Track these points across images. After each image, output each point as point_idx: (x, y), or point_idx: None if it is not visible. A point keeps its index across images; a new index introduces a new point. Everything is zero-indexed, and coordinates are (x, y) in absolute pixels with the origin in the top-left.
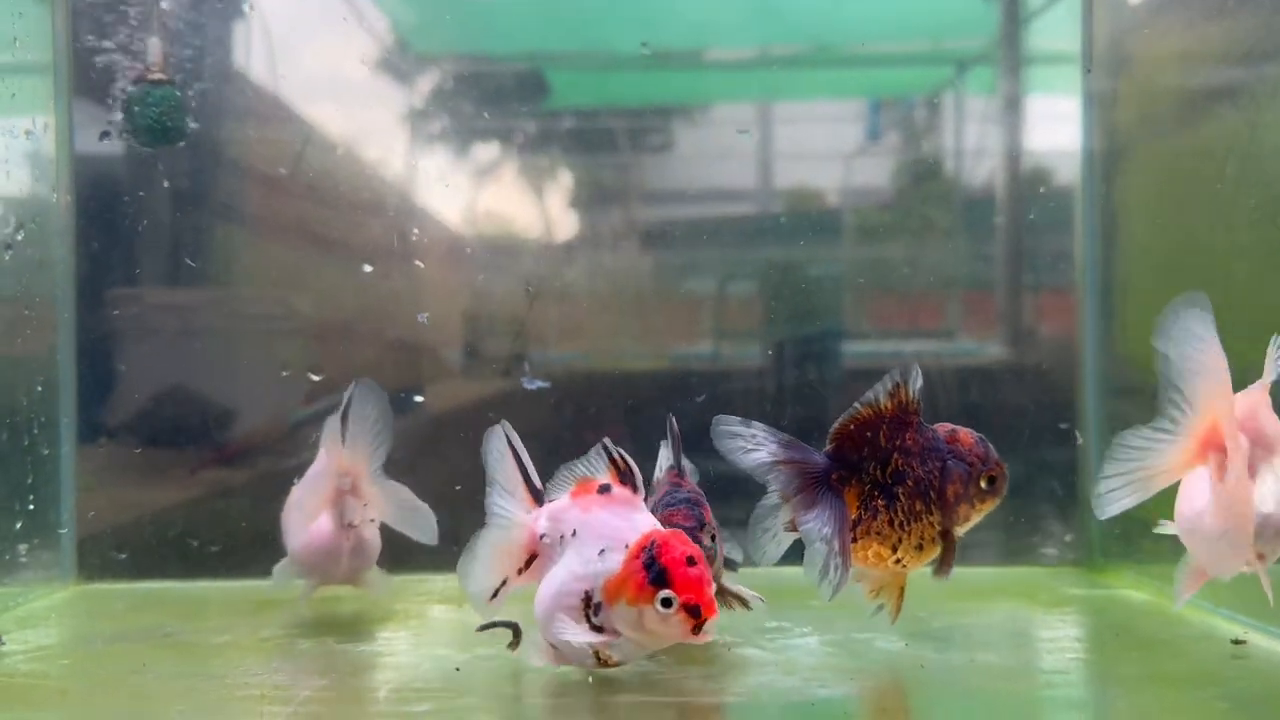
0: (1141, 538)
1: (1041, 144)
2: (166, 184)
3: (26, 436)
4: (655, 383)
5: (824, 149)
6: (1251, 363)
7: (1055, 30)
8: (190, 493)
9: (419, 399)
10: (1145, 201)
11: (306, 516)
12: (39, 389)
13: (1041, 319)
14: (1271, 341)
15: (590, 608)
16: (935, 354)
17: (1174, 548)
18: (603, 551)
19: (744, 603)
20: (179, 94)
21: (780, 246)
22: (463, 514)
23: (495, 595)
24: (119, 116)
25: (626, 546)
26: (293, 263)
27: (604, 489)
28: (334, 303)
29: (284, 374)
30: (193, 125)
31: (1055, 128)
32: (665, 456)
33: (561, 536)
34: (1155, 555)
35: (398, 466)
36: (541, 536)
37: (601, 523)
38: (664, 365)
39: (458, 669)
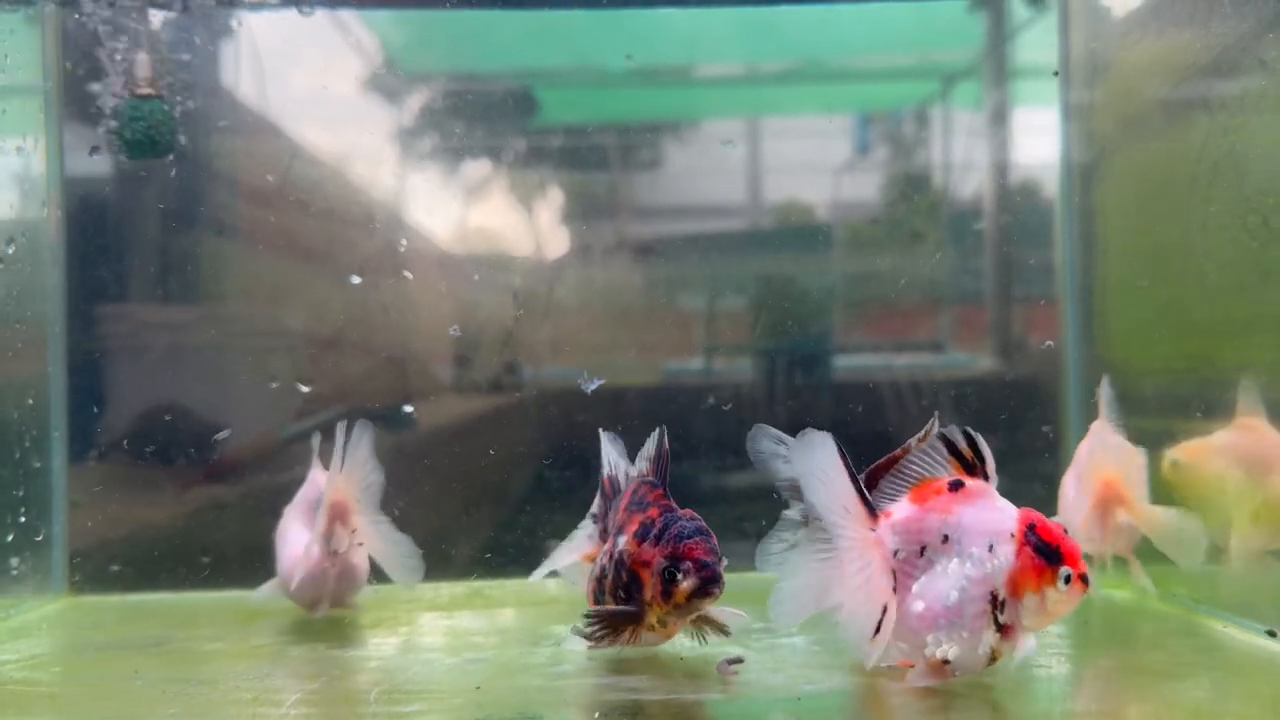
0: None
1: (1027, 156)
2: (156, 200)
3: (18, 450)
4: (648, 398)
5: (813, 163)
6: (1225, 363)
7: (1039, 43)
8: (181, 506)
9: (408, 410)
10: (1122, 209)
11: (297, 544)
12: (30, 403)
13: (1028, 329)
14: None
15: (997, 607)
16: (925, 366)
17: (1153, 550)
18: (991, 547)
19: (723, 630)
20: (167, 108)
21: (770, 260)
22: (451, 526)
23: (879, 629)
24: (108, 131)
25: (1011, 536)
26: (283, 279)
27: (955, 485)
28: (323, 318)
29: (273, 385)
30: (182, 141)
31: (1040, 140)
32: (626, 464)
33: (922, 548)
34: (1138, 556)
35: (387, 479)
36: (895, 553)
37: (975, 519)
38: (657, 380)
39: (478, 687)
